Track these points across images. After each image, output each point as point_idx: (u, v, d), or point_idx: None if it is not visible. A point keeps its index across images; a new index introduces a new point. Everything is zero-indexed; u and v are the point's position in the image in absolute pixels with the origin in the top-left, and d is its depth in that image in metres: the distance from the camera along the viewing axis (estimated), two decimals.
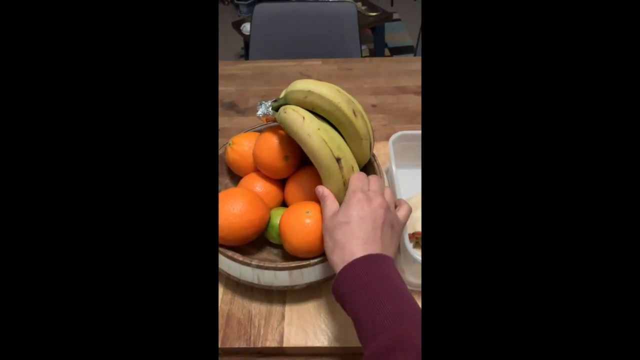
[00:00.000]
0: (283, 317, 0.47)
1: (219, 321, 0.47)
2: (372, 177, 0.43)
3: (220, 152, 0.57)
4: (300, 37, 1.09)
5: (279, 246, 0.52)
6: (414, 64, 0.96)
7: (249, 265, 0.44)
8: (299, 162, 0.51)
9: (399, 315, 0.30)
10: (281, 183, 0.53)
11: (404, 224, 0.42)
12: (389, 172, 0.58)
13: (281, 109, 0.44)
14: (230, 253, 0.45)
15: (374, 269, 0.34)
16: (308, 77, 0.93)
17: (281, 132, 0.50)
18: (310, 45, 1.09)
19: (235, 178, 0.57)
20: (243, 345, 0.45)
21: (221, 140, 0.60)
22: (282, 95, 0.47)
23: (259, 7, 1.10)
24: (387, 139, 0.62)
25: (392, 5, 2.94)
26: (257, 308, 0.48)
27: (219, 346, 0.45)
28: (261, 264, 0.44)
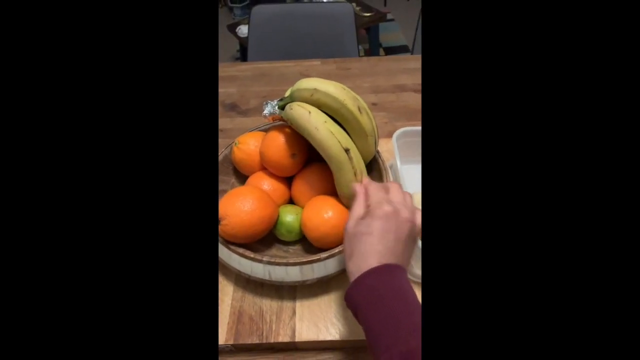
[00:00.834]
0: (294, 313, 0.48)
1: (230, 318, 0.48)
2: (393, 186, 0.41)
3: (225, 152, 0.58)
4: (298, 38, 1.10)
5: (288, 243, 0.52)
6: (412, 62, 0.97)
7: (260, 261, 0.45)
8: (305, 159, 0.52)
9: (412, 329, 0.30)
10: (288, 181, 0.54)
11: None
12: (393, 167, 0.59)
13: (287, 106, 0.45)
14: (241, 250, 0.45)
15: (390, 280, 0.34)
16: (308, 77, 0.94)
17: (287, 130, 0.51)
18: (308, 45, 1.10)
19: (242, 177, 0.58)
20: (256, 341, 0.46)
21: (225, 141, 0.61)
22: (287, 94, 0.48)
23: (257, 9, 1.11)
24: (388, 136, 0.63)
25: (385, 5, 2.96)
26: (268, 304, 0.49)
27: (232, 342, 0.46)
28: (272, 260, 0.44)
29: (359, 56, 1.14)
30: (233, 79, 0.94)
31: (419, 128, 0.59)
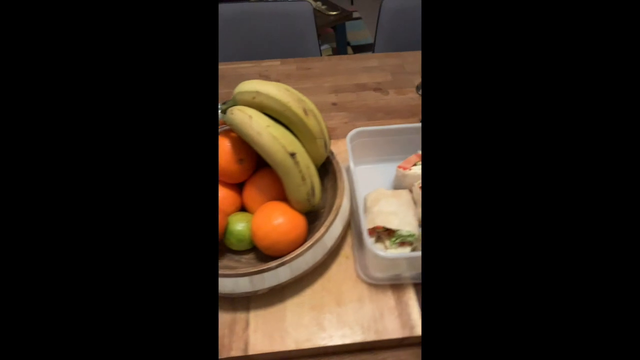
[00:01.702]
0: (248, 324, 0.46)
1: None
2: None
3: None
4: (257, 38, 1.08)
5: (241, 252, 0.50)
6: (372, 60, 0.97)
7: None
8: (254, 164, 0.50)
9: None
10: (239, 187, 0.52)
11: None
12: (348, 169, 0.58)
13: (228, 110, 0.43)
14: None
15: None
16: (267, 78, 0.92)
17: (234, 134, 0.49)
18: (268, 46, 1.08)
19: None
20: None
21: None
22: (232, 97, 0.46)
23: None
24: None
25: (352, 4, 2.97)
26: (221, 317, 0.47)
27: None
28: (220, 272, 0.42)
29: (321, 55, 1.13)
30: None
31: (374, 127, 0.59)
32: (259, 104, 0.42)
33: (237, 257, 0.50)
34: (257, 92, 0.42)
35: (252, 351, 0.44)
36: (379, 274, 0.49)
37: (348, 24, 2.07)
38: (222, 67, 0.96)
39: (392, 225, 0.49)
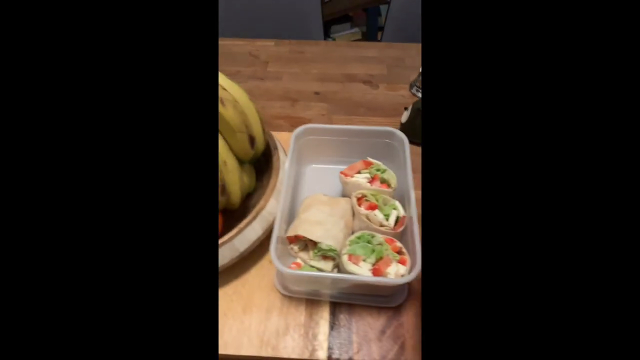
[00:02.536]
0: None
1: None
2: None
3: None
4: (254, 14, 1.03)
5: None
6: (371, 50, 0.90)
7: None
8: None
9: None
10: None
11: None
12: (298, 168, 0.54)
13: None
14: None
15: None
16: (256, 58, 0.88)
17: None
18: (267, 24, 1.03)
19: None
20: None
21: None
22: None
23: None
24: None
25: None
26: None
27: None
28: None
29: (326, 39, 1.07)
30: None
31: (325, 125, 0.54)
32: None
33: None
34: None
35: None
36: (294, 286, 0.46)
37: (383, 8, 1.96)
38: None
39: (312, 236, 0.44)
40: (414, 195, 0.45)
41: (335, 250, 0.44)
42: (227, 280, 0.48)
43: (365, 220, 0.45)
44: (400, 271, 0.41)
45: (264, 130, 0.48)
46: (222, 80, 0.41)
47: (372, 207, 0.46)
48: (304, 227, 0.45)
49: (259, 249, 0.48)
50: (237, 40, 0.93)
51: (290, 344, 0.43)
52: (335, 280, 0.43)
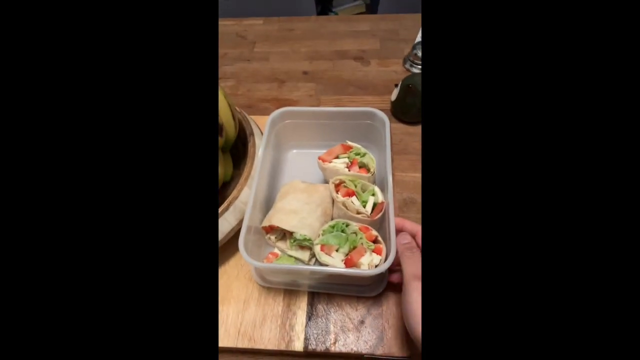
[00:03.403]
0: None
1: None
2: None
3: None
4: None
5: None
6: (364, 24, 0.85)
7: None
8: None
9: None
10: None
11: None
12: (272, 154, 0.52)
13: None
14: None
15: None
16: (244, 38, 0.85)
17: None
18: (259, 1, 0.99)
19: None
20: None
21: None
22: None
23: None
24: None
25: None
26: None
27: None
28: None
29: (330, 14, 1.02)
30: None
31: (303, 108, 0.51)
32: None
33: None
34: None
35: None
36: (271, 277, 0.45)
37: None
38: None
39: (287, 225, 0.43)
40: (392, 180, 0.42)
41: (310, 240, 0.43)
42: None
43: (342, 207, 0.43)
44: (374, 261, 0.39)
45: (233, 116, 0.46)
46: None
47: (350, 194, 0.44)
48: (279, 217, 0.44)
49: (236, 239, 0.47)
50: (225, 20, 0.90)
51: (267, 335, 0.42)
52: (310, 271, 0.41)
